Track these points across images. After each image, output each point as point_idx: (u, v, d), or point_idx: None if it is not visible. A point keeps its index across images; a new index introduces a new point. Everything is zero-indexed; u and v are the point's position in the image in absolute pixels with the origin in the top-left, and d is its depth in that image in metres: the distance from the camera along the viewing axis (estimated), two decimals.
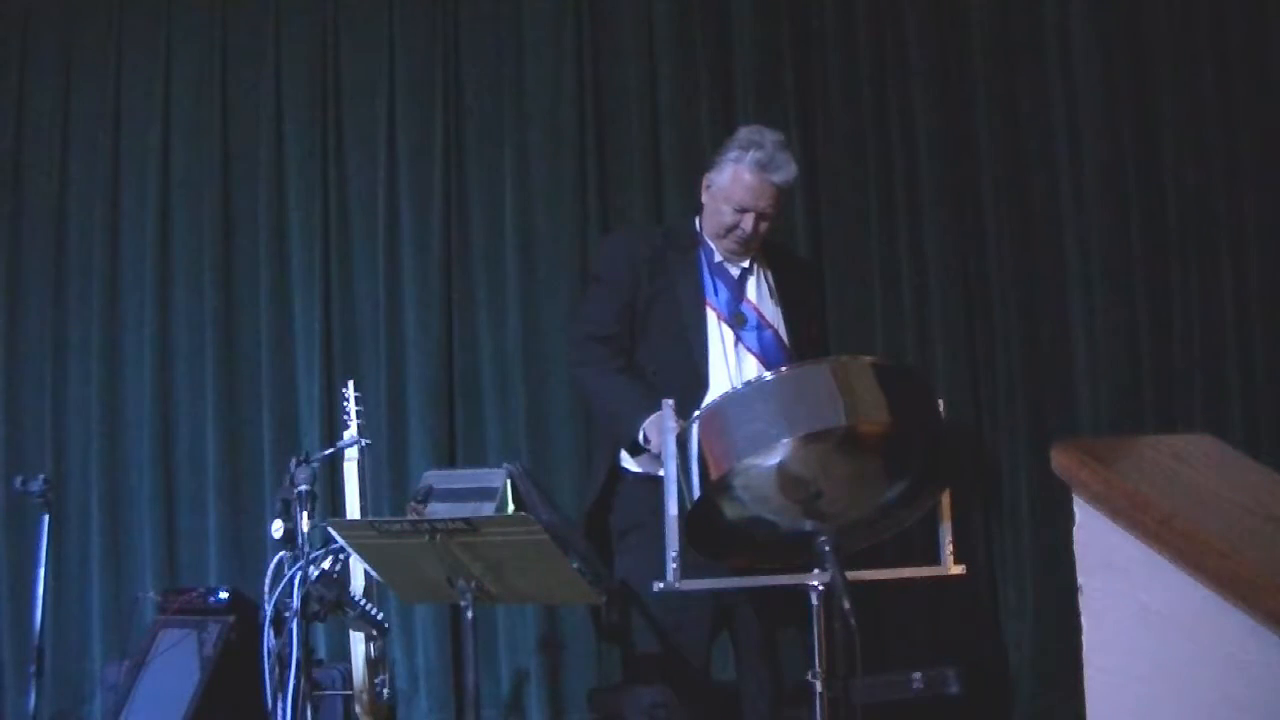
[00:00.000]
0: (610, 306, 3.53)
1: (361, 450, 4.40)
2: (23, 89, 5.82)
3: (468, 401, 5.29)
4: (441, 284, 5.33)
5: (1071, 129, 4.90)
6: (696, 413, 2.80)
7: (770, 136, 3.46)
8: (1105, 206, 4.85)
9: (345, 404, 4.45)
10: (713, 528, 2.80)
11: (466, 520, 2.98)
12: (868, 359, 2.91)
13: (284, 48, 5.58)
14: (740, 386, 2.89)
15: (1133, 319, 4.81)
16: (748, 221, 3.41)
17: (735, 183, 3.42)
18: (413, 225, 5.39)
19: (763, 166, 3.40)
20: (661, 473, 3.22)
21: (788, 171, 3.43)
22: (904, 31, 5.07)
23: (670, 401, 2.87)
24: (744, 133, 3.51)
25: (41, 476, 4.85)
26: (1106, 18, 4.90)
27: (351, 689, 4.40)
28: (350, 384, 4.51)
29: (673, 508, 2.76)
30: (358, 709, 4.36)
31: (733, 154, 3.45)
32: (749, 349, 3.40)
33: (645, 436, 3.26)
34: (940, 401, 2.93)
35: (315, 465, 3.78)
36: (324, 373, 5.36)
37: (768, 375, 2.83)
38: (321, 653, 4.95)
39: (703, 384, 3.32)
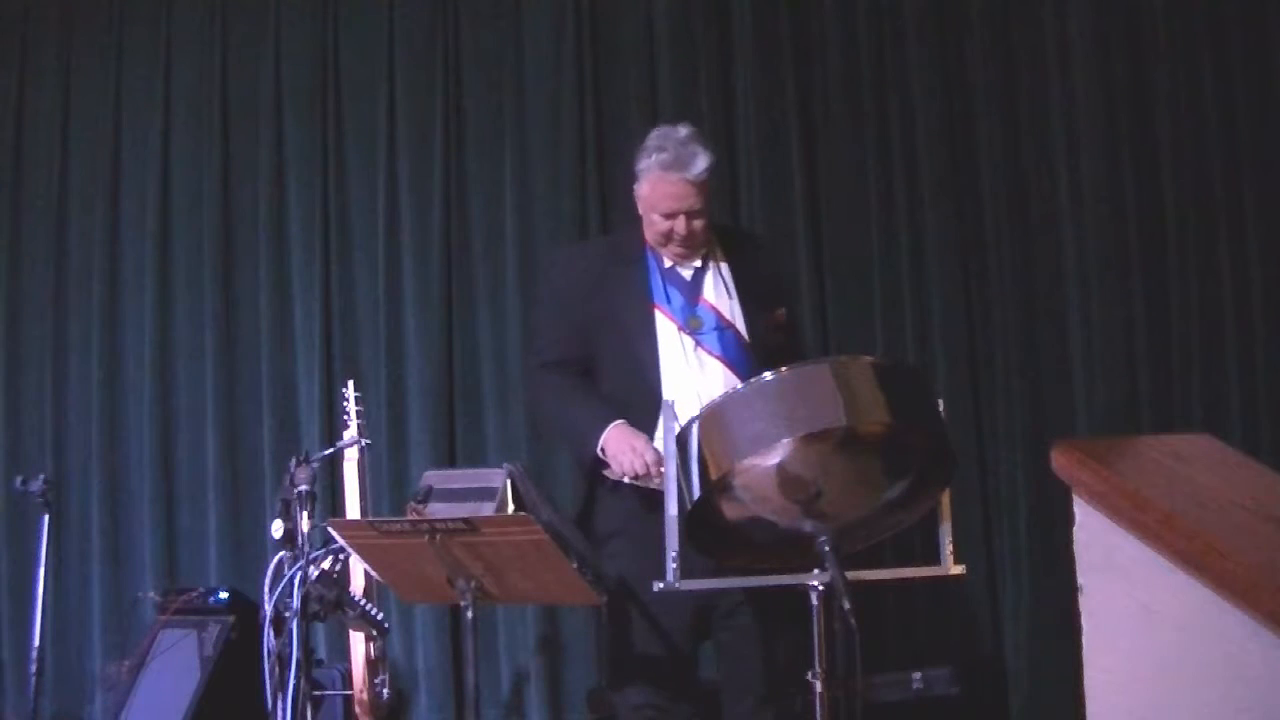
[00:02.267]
0: (556, 330, 3.49)
1: (361, 450, 4.40)
2: (23, 89, 5.83)
3: (468, 401, 5.29)
4: (441, 284, 5.34)
5: (1071, 129, 4.89)
6: (696, 413, 2.79)
7: (676, 134, 3.39)
8: (1104, 206, 4.85)
9: (345, 404, 4.46)
10: (713, 528, 2.80)
11: (466, 520, 2.98)
12: (868, 359, 2.90)
13: (284, 48, 5.59)
14: (741, 386, 2.88)
15: (1131, 319, 4.81)
16: (680, 225, 3.36)
17: (653, 191, 3.37)
18: (413, 225, 5.39)
19: (670, 167, 3.33)
20: (628, 479, 3.24)
21: (699, 164, 3.34)
22: (904, 32, 5.06)
23: (671, 400, 2.87)
24: (650, 138, 3.44)
25: (41, 476, 4.86)
26: (1106, 18, 4.90)
27: (351, 689, 4.41)
28: (350, 384, 4.52)
29: (673, 508, 2.76)
30: (358, 709, 4.36)
31: (643, 163, 3.39)
32: (710, 352, 3.35)
33: (604, 451, 3.26)
34: (940, 401, 2.93)
35: (315, 465, 3.78)
36: (324, 373, 5.37)
37: (768, 375, 2.82)
38: (321, 653, 4.96)
39: (656, 399, 3.22)
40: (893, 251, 5.03)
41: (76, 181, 5.77)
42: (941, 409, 2.91)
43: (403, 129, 5.45)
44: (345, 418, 4.45)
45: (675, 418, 2.83)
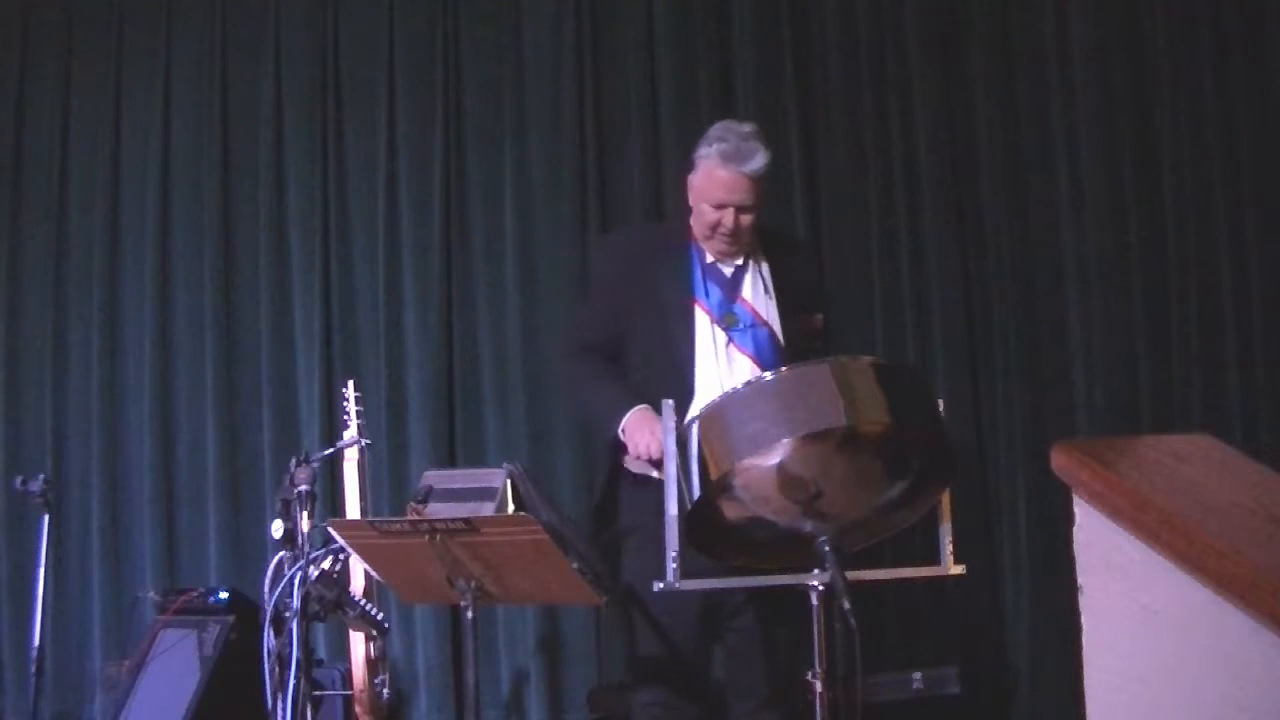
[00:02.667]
0: (598, 313, 3.58)
1: (361, 450, 4.40)
2: (23, 89, 5.83)
3: (468, 401, 5.29)
4: (441, 284, 5.33)
5: (1070, 129, 4.89)
6: (697, 413, 2.79)
7: (738, 129, 3.44)
8: (1104, 206, 4.85)
9: (345, 404, 4.45)
10: (713, 528, 2.80)
11: (466, 520, 2.98)
12: (868, 359, 2.90)
13: (284, 47, 5.58)
14: (740, 386, 2.88)
15: (1131, 319, 4.81)
16: (728, 217, 3.39)
17: (708, 180, 3.41)
18: (413, 225, 5.39)
19: (729, 158, 3.38)
20: (655, 473, 3.25)
21: (757, 161, 3.39)
22: (904, 32, 5.06)
23: (670, 402, 2.87)
24: (713, 129, 3.49)
25: (41, 476, 4.85)
26: (1106, 18, 4.90)
27: (351, 689, 4.41)
28: (350, 384, 4.51)
29: (673, 508, 2.76)
30: (358, 709, 4.36)
31: (702, 151, 3.44)
32: (741, 349, 3.38)
33: (624, 432, 3.29)
34: (940, 401, 2.93)
35: (315, 465, 3.78)
36: (324, 373, 5.37)
37: (768, 375, 2.83)
38: (321, 653, 4.95)
39: (688, 389, 3.29)
40: (893, 251, 5.03)
41: (76, 181, 5.77)
42: (941, 409, 2.91)
43: (403, 129, 5.45)
44: (345, 418, 4.45)
45: (675, 417, 2.83)
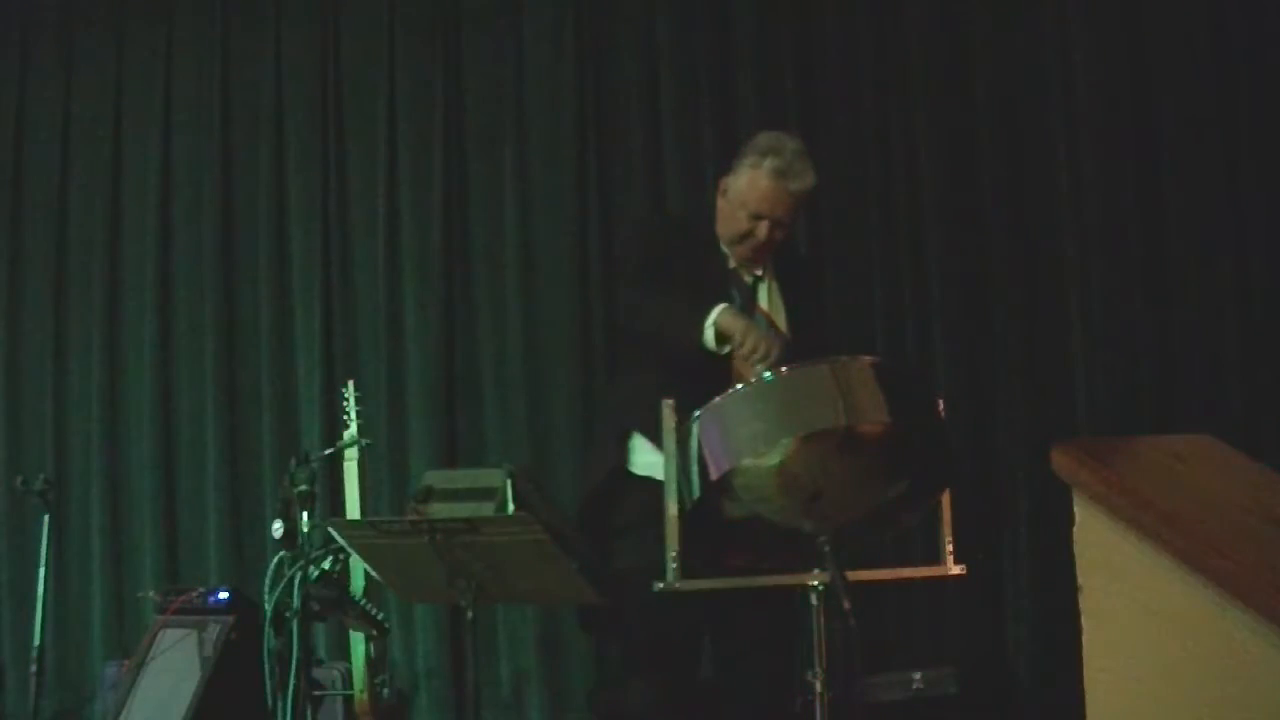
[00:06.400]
0: (651, 255, 3.43)
1: (361, 450, 4.40)
2: (24, 89, 5.84)
3: (468, 401, 5.29)
4: (441, 284, 5.34)
5: (1071, 129, 4.89)
6: (697, 412, 2.79)
7: (790, 144, 3.41)
8: (1105, 206, 4.85)
9: (345, 404, 4.46)
10: (713, 527, 2.80)
11: (466, 520, 2.98)
12: (868, 359, 2.89)
13: (285, 47, 5.59)
14: (740, 386, 2.88)
15: (1132, 319, 4.81)
16: (762, 229, 3.37)
17: (751, 189, 3.38)
18: (413, 225, 5.39)
19: (780, 174, 3.35)
20: (746, 351, 3.17)
21: (805, 180, 3.37)
22: (904, 32, 5.06)
23: (670, 401, 2.86)
24: (763, 138, 3.45)
25: (41, 476, 4.86)
26: (1106, 18, 4.90)
27: (351, 689, 4.41)
28: (350, 384, 4.52)
29: (673, 508, 2.75)
30: (358, 709, 4.36)
31: (750, 159, 3.40)
32: None
33: (718, 333, 3.16)
34: (940, 401, 2.93)
35: (315, 465, 3.79)
36: (324, 373, 5.37)
37: (767, 375, 2.82)
38: (321, 653, 4.96)
39: (715, 379, 3.25)
40: (893, 251, 5.03)
41: (76, 181, 5.77)
42: (941, 409, 2.91)
43: (403, 129, 5.45)
44: (345, 418, 4.45)
45: (675, 418, 2.83)
